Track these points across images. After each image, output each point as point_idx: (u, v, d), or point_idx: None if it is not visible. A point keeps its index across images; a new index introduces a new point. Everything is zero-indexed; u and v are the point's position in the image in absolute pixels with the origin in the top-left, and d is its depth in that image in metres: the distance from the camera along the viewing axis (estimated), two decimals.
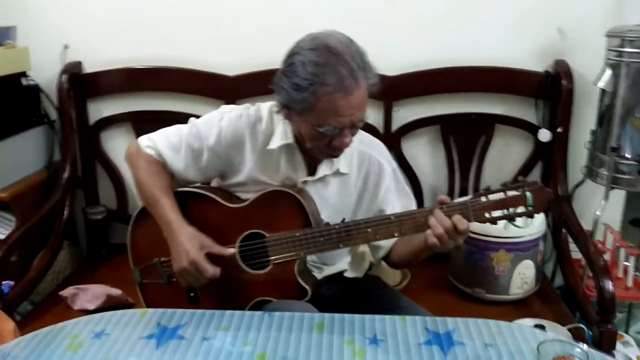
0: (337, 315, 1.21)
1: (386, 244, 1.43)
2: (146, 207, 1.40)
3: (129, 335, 1.15)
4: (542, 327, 1.57)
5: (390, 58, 1.93)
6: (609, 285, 1.50)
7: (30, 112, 2.08)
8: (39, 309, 1.82)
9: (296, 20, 1.94)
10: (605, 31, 1.76)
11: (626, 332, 2.08)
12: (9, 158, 1.94)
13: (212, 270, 1.28)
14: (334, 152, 1.29)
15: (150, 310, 1.24)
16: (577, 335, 1.58)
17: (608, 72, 1.73)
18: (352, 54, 1.17)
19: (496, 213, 1.18)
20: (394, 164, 1.46)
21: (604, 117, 1.79)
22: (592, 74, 1.80)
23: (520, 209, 1.17)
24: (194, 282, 1.31)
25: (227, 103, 1.98)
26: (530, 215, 1.18)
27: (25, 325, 1.62)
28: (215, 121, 1.38)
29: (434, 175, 2.10)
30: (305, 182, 1.37)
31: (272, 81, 1.25)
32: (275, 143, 1.34)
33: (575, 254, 1.85)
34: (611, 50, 1.74)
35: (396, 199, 1.43)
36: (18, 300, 1.77)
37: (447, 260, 1.88)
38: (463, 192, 2.05)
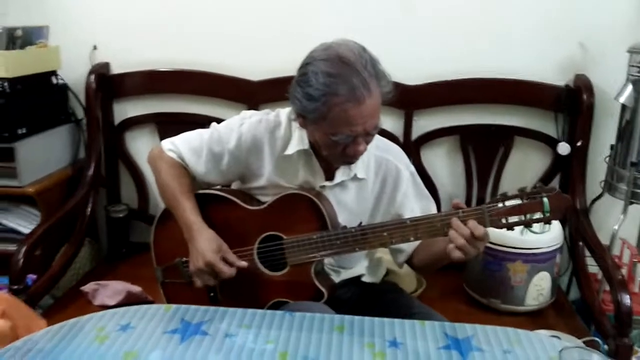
0: (356, 317, 1.22)
1: (407, 248, 1.44)
2: (168, 208, 1.44)
3: (154, 329, 1.18)
4: (557, 338, 1.58)
5: (411, 68, 1.96)
6: (627, 298, 1.51)
7: (58, 110, 2.13)
8: (60, 303, 1.85)
9: (318, 27, 1.97)
10: (626, 46, 1.77)
11: None
12: (36, 154, 1.99)
13: (228, 271, 1.31)
14: (349, 159, 1.31)
15: (174, 305, 1.27)
16: (592, 349, 1.57)
17: (629, 88, 1.73)
18: (364, 63, 1.19)
19: (513, 219, 1.18)
20: (412, 168, 1.47)
21: (625, 132, 1.80)
22: (613, 89, 1.80)
23: (537, 215, 1.17)
24: (209, 281, 1.33)
25: (250, 108, 2.01)
26: (547, 221, 1.17)
27: (47, 318, 1.64)
28: (236, 126, 1.41)
29: (452, 185, 2.11)
30: (323, 186, 1.40)
31: (287, 90, 1.27)
32: (292, 149, 1.37)
33: (591, 267, 1.85)
34: (633, 66, 1.75)
35: (415, 202, 1.44)
36: (40, 293, 1.81)
37: (463, 269, 1.89)
38: (480, 203, 1.98)
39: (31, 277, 1.80)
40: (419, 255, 1.44)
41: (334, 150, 1.28)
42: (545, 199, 1.16)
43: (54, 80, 2.08)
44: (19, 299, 1.59)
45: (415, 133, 2.05)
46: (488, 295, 1.80)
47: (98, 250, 2.26)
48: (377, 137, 1.37)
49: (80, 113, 2.19)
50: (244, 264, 1.34)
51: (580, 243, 1.89)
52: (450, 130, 2.04)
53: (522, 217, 1.18)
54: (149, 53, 2.12)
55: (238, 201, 1.42)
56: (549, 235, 1.71)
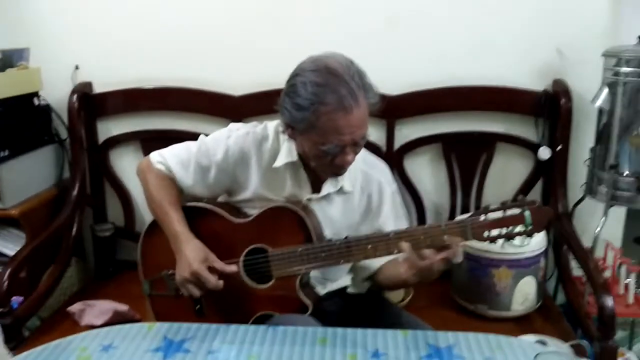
0: (339, 329, 1.23)
1: (370, 265, 1.45)
2: (155, 219, 1.45)
3: (136, 349, 1.18)
4: (543, 343, 1.59)
5: (392, 78, 1.97)
6: (609, 301, 1.52)
7: (41, 131, 2.13)
8: (46, 325, 1.84)
9: (300, 41, 1.96)
10: (601, 51, 1.80)
11: (629, 349, 2.08)
12: (20, 175, 1.98)
13: (214, 281, 1.31)
14: (337, 170, 1.33)
15: (157, 324, 1.28)
16: (579, 352, 1.58)
17: (605, 91, 1.76)
18: (351, 75, 1.22)
19: (495, 232, 1.19)
20: (394, 187, 1.50)
21: (603, 135, 1.82)
22: (590, 93, 1.82)
23: (519, 228, 1.19)
24: (195, 291, 1.33)
25: (233, 122, 2.01)
26: (529, 234, 1.19)
27: (34, 340, 1.66)
28: (223, 139, 1.43)
29: (436, 193, 2.12)
30: (309, 199, 1.41)
31: (277, 102, 1.29)
32: (281, 161, 1.38)
33: (577, 270, 1.86)
34: (608, 69, 1.77)
35: (392, 221, 1.46)
36: (27, 315, 1.80)
37: (449, 276, 1.90)
38: (465, 209, 2.07)
39: (17, 299, 1.79)
40: (384, 272, 1.44)
41: (322, 161, 1.30)
42: (527, 212, 1.18)
43: (36, 102, 2.08)
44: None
45: (398, 142, 2.06)
46: (475, 302, 1.81)
47: (85, 269, 2.25)
48: (365, 152, 1.40)
49: (63, 133, 2.19)
50: (232, 268, 1.35)
51: (565, 247, 1.90)
52: (432, 139, 2.06)
53: (504, 230, 1.19)
54: (131, 71, 2.13)
55: (224, 214, 1.43)
56: (532, 240, 1.71)
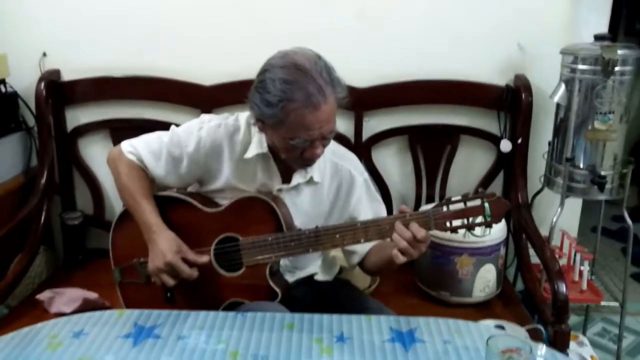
0: (306, 315, 1.27)
1: (360, 250, 1.49)
2: (128, 209, 1.46)
3: (107, 335, 1.20)
4: (502, 327, 1.66)
5: (360, 70, 2.01)
6: (563, 287, 1.60)
7: (8, 119, 2.10)
8: (15, 313, 1.84)
9: (270, 33, 2.02)
10: (560, 48, 1.87)
11: (583, 333, 2.19)
12: None
13: (188, 271, 1.35)
14: (307, 162, 1.37)
15: (128, 310, 1.30)
16: (535, 336, 1.66)
17: (562, 87, 1.83)
18: (319, 71, 1.24)
19: (456, 222, 1.24)
20: (366, 175, 1.54)
21: (560, 129, 1.89)
22: (550, 88, 1.89)
23: (479, 219, 1.24)
24: (170, 281, 1.36)
25: (203, 112, 2.02)
26: (488, 225, 1.25)
27: (2, 328, 1.64)
28: (195, 130, 1.45)
29: (403, 183, 2.18)
30: (280, 190, 1.44)
31: (247, 94, 1.31)
32: (251, 152, 1.41)
33: (535, 259, 1.94)
34: (565, 66, 1.84)
35: (368, 207, 1.50)
36: None
37: (414, 264, 1.96)
38: (430, 200, 2.13)
39: None
40: (370, 259, 1.50)
41: (292, 154, 1.33)
42: (486, 204, 1.23)
43: (2, 89, 2.06)
44: None
45: (366, 134, 2.11)
46: (438, 289, 1.87)
47: (54, 258, 2.24)
48: (334, 144, 1.43)
49: (31, 121, 2.17)
50: (205, 259, 1.38)
51: (524, 236, 1.98)
52: (399, 131, 2.11)
53: (465, 221, 1.24)
54: (100, 59, 2.12)
55: (196, 203, 1.45)
56: (492, 230, 1.78)
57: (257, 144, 1.41)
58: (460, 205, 1.24)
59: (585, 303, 2.12)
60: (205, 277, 1.39)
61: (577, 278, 1.96)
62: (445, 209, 1.24)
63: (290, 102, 1.23)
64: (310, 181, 1.45)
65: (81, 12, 2.10)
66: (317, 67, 1.25)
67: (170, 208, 1.45)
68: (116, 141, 2.06)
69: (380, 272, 1.60)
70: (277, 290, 1.39)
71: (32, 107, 2.14)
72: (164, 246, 1.34)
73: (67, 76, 2.16)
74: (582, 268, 1.95)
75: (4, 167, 2.08)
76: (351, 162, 1.53)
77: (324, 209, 1.50)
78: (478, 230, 1.27)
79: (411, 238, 1.22)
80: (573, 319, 2.37)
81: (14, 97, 2.12)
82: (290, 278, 1.53)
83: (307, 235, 1.34)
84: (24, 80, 2.13)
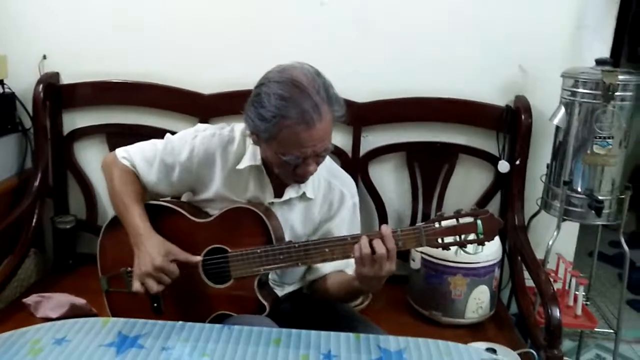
0: (294, 330, 1.25)
1: (321, 268, 1.47)
2: (117, 214, 1.45)
3: (89, 343, 1.19)
4: (493, 350, 1.64)
5: (360, 85, 2.01)
6: (557, 312, 1.57)
7: (4, 120, 2.09)
8: (1, 316, 1.81)
9: (270, 44, 2.02)
10: (562, 71, 1.87)
11: (577, 359, 2.16)
12: None
13: (178, 272, 1.34)
14: (299, 178, 1.36)
15: (112, 319, 1.28)
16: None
17: (562, 110, 1.82)
18: (317, 88, 1.23)
19: (448, 239, 1.23)
20: (356, 199, 1.53)
21: (558, 152, 1.88)
22: (550, 110, 1.88)
23: (471, 236, 1.23)
24: (154, 287, 1.33)
25: (201, 121, 2.03)
26: (480, 242, 1.24)
27: None
28: (189, 138, 1.44)
29: (399, 200, 2.16)
30: (271, 203, 1.43)
31: (241, 105, 1.30)
32: (244, 163, 1.40)
33: (530, 282, 1.92)
34: (565, 89, 1.84)
35: (346, 230, 1.47)
36: None
37: (407, 282, 1.94)
38: (425, 217, 2.11)
39: None
40: (331, 278, 1.46)
41: (284, 169, 1.32)
42: (479, 221, 1.22)
43: (0, 90, 2.05)
44: None
45: (364, 149, 2.10)
46: (430, 308, 1.85)
47: (44, 261, 2.22)
48: (332, 162, 1.42)
49: (28, 122, 2.16)
50: (197, 258, 1.37)
51: (519, 258, 1.96)
52: (397, 147, 2.10)
53: (457, 238, 1.23)
54: (100, 64, 2.11)
55: (185, 213, 1.44)
56: (487, 250, 1.77)
57: (251, 156, 1.40)
58: (453, 222, 1.23)
59: (579, 328, 2.10)
60: (193, 288, 1.38)
61: (571, 303, 1.94)
62: (437, 225, 1.23)
63: (284, 118, 1.21)
64: (303, 197, 1.44)
65: (84, 18, 2.10)
66: (314, 84, 1.23)
67: (159, 217, 1.43)
68: (112, 146, 2.06)
69: (330, 297, 1.50)
70: (265, 303, 1.37)
71: (29, 109, 2.13)
72: (152, 250, 1.33)
73: (66, 80, 2.15)
74: (577, 293, 1.92)
75: None
76: (345, 183, 1.52)
77: (314, 227, 1.49)
78: (470, 248, 1.25)
79: (369, 252, 1.20)
80: (567, 344, 2.34)
81: (11, 98, 2.11)
82: (280, 292, 1.51)
83: (297, 248, 1.32)
84: (23, 82, 2.12)
